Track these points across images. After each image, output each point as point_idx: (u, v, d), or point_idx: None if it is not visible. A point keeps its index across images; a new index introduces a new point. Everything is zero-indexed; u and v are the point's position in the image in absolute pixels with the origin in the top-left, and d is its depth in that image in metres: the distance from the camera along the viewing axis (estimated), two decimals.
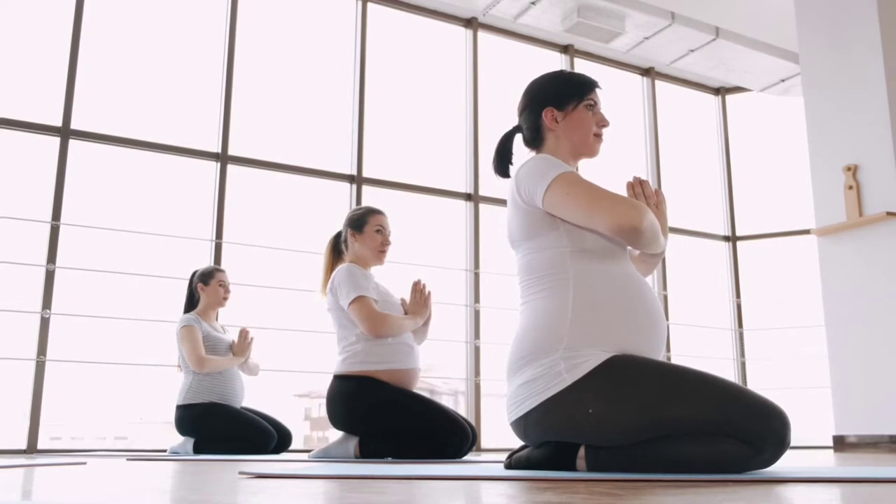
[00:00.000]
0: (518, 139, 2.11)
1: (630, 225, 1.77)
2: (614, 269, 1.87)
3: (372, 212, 3.48)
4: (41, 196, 4.51)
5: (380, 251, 3.39)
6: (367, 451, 3.12)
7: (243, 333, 4.08)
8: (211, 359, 3.91)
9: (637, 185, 2.07)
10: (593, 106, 2.02)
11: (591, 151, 2.02)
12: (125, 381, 4.68)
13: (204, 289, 4.09)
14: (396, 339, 3.24)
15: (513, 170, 2.04)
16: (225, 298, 4.13)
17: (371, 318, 3.16)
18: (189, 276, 4.18)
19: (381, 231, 3.41)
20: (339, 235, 3.53)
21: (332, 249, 3.50)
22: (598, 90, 2.06)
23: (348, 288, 3.21)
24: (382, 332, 3.18)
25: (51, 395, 4.34)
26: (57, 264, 4.44)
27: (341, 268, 3.31)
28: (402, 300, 3.43)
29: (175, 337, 4.00)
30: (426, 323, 3.41)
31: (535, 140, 2.04)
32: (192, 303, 4.13)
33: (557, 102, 2.01)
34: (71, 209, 4.55)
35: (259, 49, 5.43)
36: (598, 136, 2.03)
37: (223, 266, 4.72)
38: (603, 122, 2.03)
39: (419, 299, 3.37)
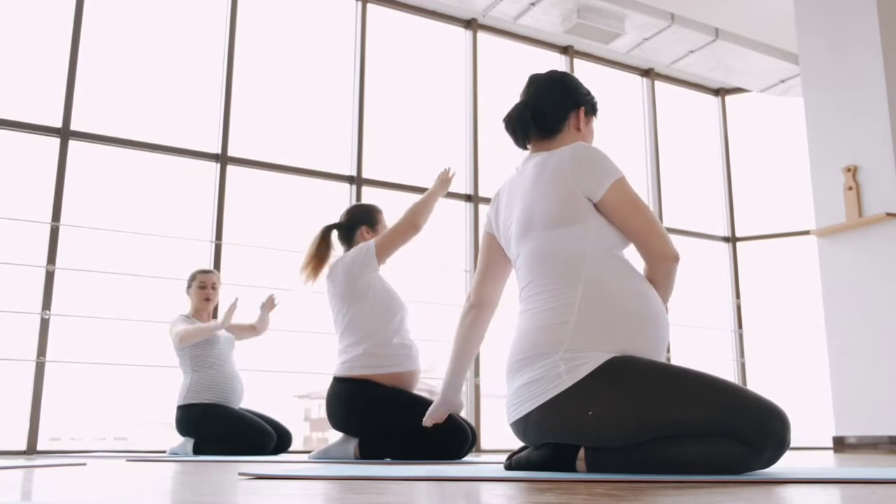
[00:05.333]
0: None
1: (676, 258, 1.90)
2: (623, 267, 1.87)
3: (381, 210, 3.50)
4: (41, 197, 4.51)
5: None
6: (367, 452, 3.12)
7: (232, 307, 3.96)
8: (186, 329, 3.91)
9: None
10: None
11: None
12: (125, 382, 4.67)
13: (188, 292, 4.21)
14: (398, 341, 3.23)
15: (528, 155, 2.06)
16: (207, 299, 4.18)
17: (399, 224, 3.24)
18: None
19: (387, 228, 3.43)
20: (331, 228, 3.43)
21: (324, 242, 3.38)
22: None
23: (359, 251, 3.24)
24: (417, 221, 3.25)
25: (50, 396, 4.34)
26: (57, 265, 4.44)
27: (342, 258, 3.30)
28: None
29: (171, 341, 4.03)
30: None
31: (552, 129, 2.04)
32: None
33: (588, 108, 2.11)
34: (71, 210, 4.55)
35: (259, 50, 5.43)
36: None
37: (223, 266, 4.76)
38: (594, 140, 2.15)
39: (445, 178, 3.40)
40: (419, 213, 3.25)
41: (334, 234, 3.45)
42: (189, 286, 4.20)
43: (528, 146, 2.06)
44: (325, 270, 3.35)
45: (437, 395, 2.28)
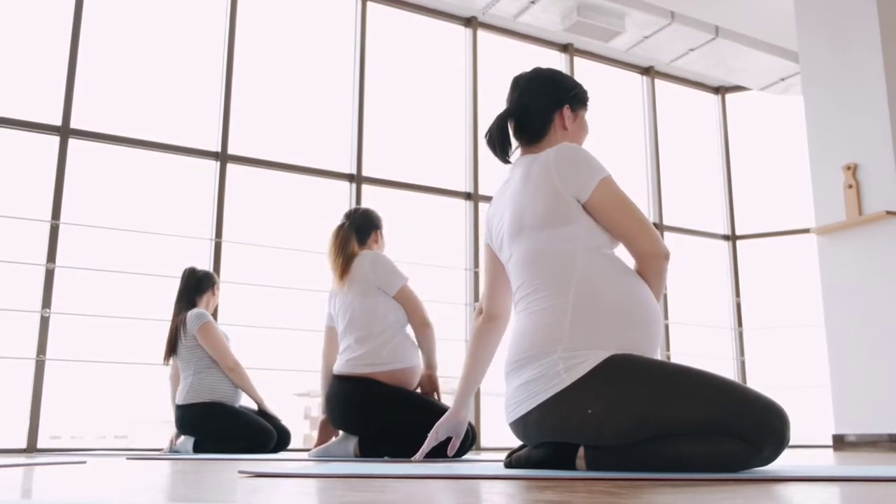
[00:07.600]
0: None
1: (667, 255, 1.88)
2: (615, 266, 1.87)
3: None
4: (41, 195, 4.51)
5: None
6: (367, 451, 3.12)
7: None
8: (243, 370, 3.94)
9: None
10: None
11: None
12: (125, 380, 4.68)
13: (215, 292, 4.17)
14: (400, 339, 3.23)
15: (516, 155, 2.05)
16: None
17: (424, 313, 3.30)
18: (189, 271, 4.13)
19: None
20: (350, 227, 3.38)
21: (347, 241, 3.34)
22: None
23: (398, 272, 3.28)
24: (430, 324, 3.30)
25: (51, 394, 4.34)
26: (56, 263, 4.44)
27: (378, 253, 3.32)
28: None
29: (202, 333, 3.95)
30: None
31: (538, 132, 2.02)
32: (189, 295, 4.08)
33: (574, 104, 2.06)
34: (71, 208, 4.55)
35: (259, 48, 5.42)
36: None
37: (223, 264, 4.83)
38: (587, 133, 2.11)
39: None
40: (432, 338, 3.30)
41: (351, 233, 3.39)
42: (210, 287, 4.13)
43: (510, 160, 2.04)
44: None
45: (449, 409, 2.25)
